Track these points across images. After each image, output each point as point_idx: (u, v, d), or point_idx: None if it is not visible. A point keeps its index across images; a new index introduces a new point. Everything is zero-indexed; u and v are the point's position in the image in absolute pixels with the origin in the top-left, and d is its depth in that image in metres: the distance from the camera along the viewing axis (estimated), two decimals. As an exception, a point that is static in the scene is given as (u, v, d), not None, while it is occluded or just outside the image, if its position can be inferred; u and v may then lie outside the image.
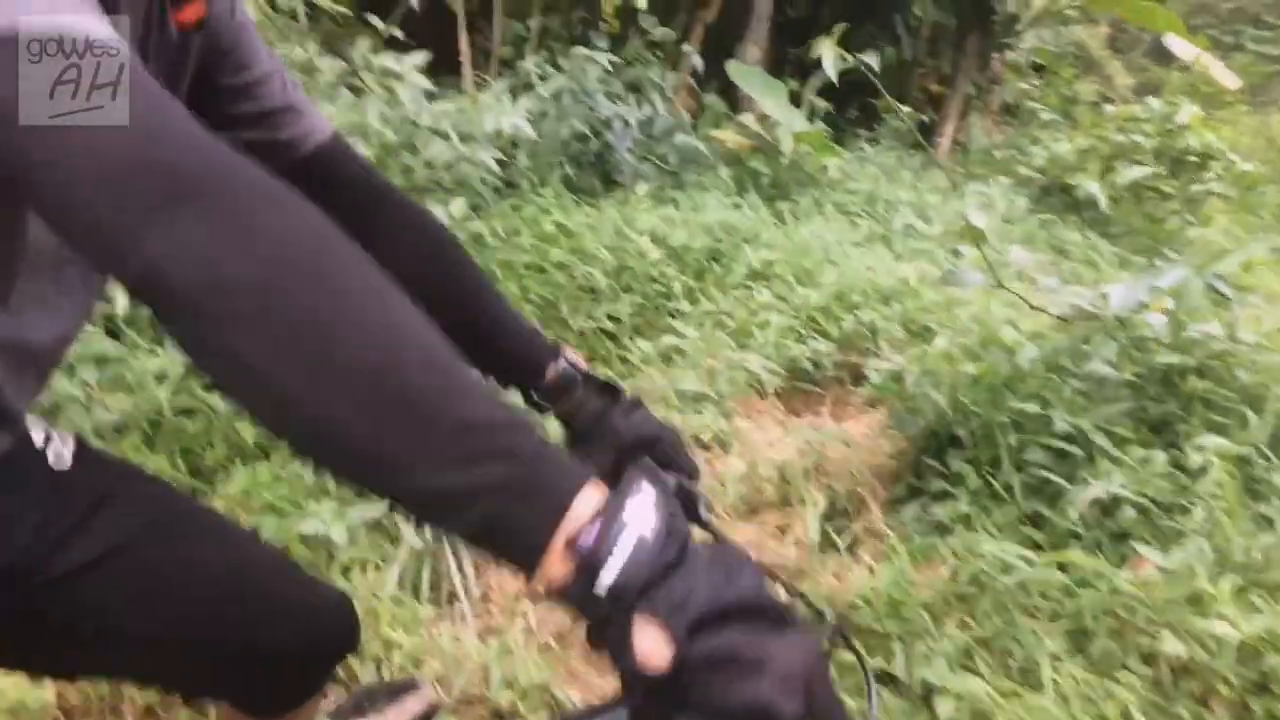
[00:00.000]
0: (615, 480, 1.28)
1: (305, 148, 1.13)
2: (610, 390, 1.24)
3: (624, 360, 4.03)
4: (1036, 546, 2.60)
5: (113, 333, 2.92)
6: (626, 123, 5.40)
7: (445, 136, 4.01)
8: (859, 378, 3.99)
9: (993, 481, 2.73)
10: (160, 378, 2.82)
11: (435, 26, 6.50)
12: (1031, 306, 3.14)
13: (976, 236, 2.90)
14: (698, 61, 6.76)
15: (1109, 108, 8.41)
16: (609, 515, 0.62)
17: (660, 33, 6.56)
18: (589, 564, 0.61)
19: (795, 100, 6.64)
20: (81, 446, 1.16)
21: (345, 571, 2.53)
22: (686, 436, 3.45)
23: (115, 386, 2.82)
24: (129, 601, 1.13)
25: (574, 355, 1.27)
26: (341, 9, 4.23)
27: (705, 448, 3.44)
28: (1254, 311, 3.17)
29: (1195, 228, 7.56)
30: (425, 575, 2.55)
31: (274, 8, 4.08)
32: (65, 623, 1.11)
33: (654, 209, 5.16)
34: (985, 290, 3.34)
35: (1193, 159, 7.33)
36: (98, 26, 0.68)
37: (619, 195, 5.31)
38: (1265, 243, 5.38)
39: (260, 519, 2.59)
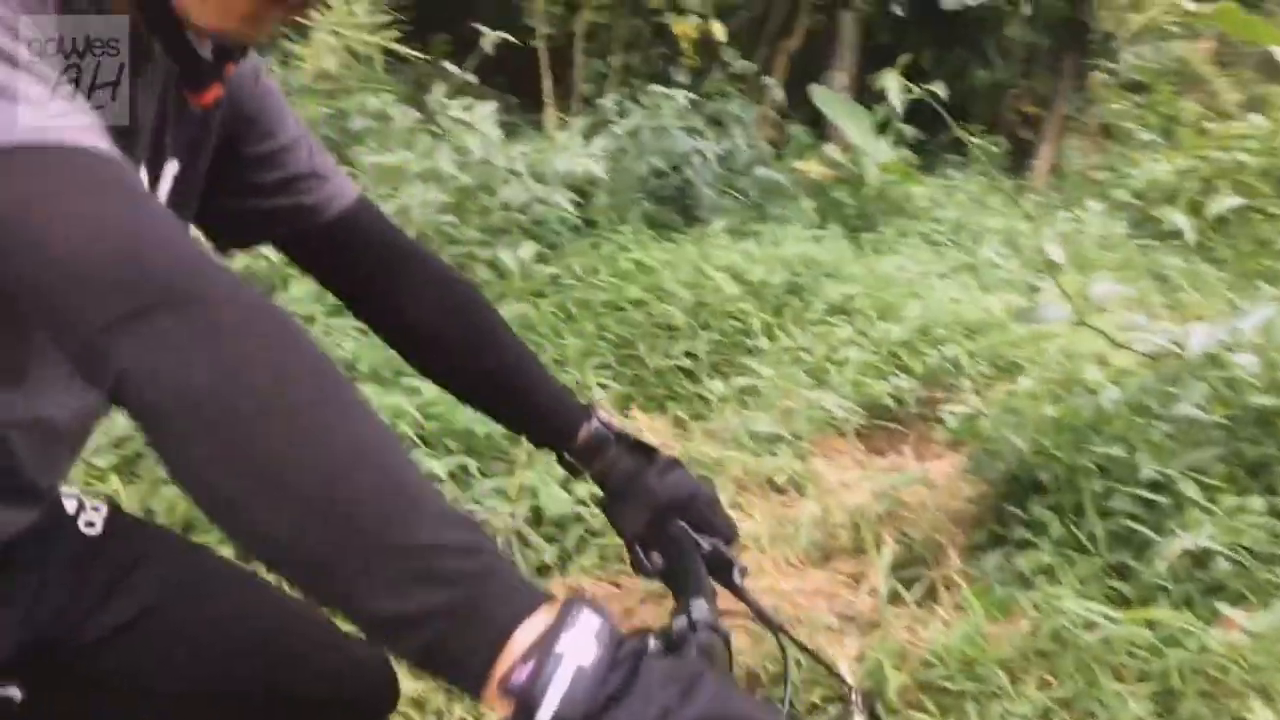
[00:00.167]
0: (648, 543, 1.26)
1: (330, 212, 1.13)
2: (645, 450, 1.22)
3: (701, 399, 3.99)
4: (1123, 600, 2.48)
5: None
6: (705, 157, 5.38)
7: (520, 178, 4.04)
8: (939, 418, 3.88)
9: (1076, 531, 2.62)
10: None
11: (521, 65, 6.59)
12: (1115, 344, 3.02)
13: (1053, 269, 2.79)
14: (779, 93, 6.71)
15: (1212, 126, 8.10)
16: (544, 649, 0.59)
17: (741, 65, 6.54)
18: (525, 701, 0.58)
19: (885, 127, 6.56)
20: (114, 513, 1.18)
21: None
22: (763, 478, 3.39)
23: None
24: (160, 661, 1.15)
25: (607, 414, 1.25)
26: (419, 55, 4.31)
27: (780, 491, 3.37)
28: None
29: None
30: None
31: (355, 57, 4.16)
32: (95, 684, 1.13)
33: (733, 243, 5.12)
34: (1072, 324, 3.22)
35: (1302, 178, 7.02)
36: (95, 140, 0.68)
37: (698, 230, 5.28)
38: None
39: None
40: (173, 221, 0.69)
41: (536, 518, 2.87)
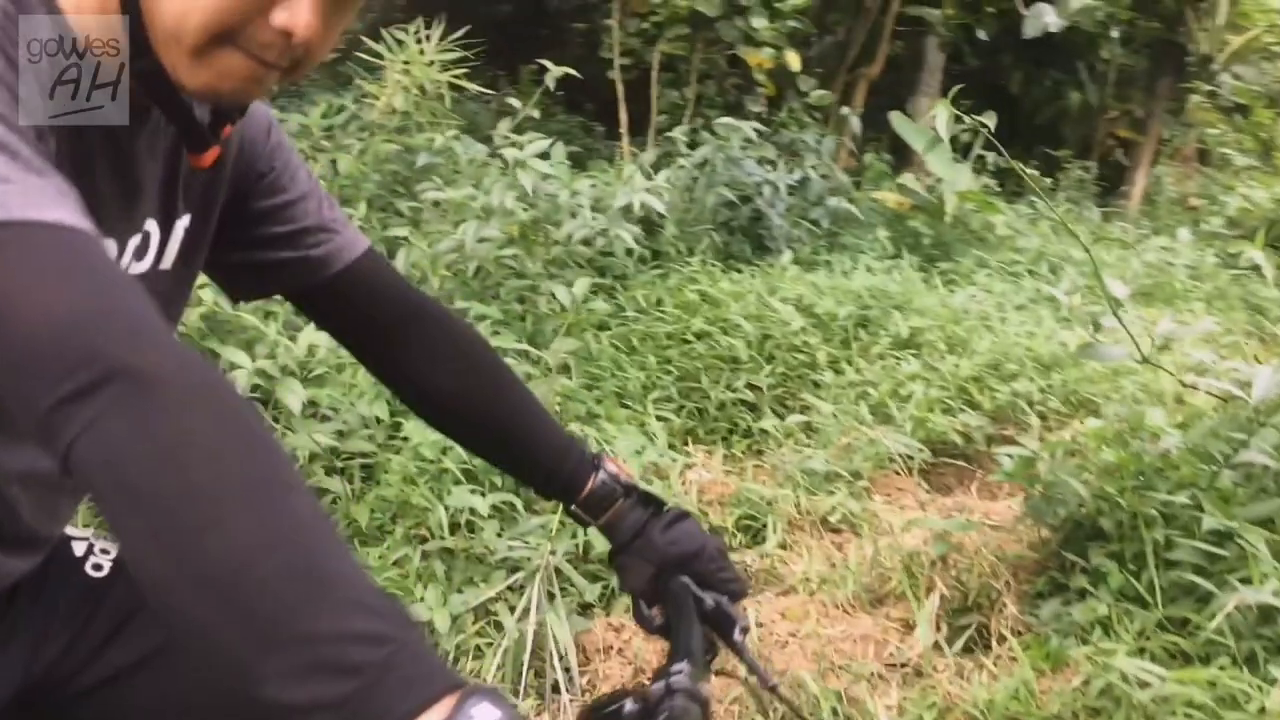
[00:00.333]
0: (650, 597, 1.24)
1: (337, 265, 1.14)
2: (653, 503, 1.22)
3: (762, 433, 3.94)
4: (1182, 655, 2.37)
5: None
6: (776, 188, 5.35)
7: (584, 211, 4.06)
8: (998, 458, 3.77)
9: (1136, 581, 2.52)
10: (294, 453, 2.92)
11: (610, 95, 6.65)
12: (1183, 384, 2.90)
13: (1114, 305, 2.70)
14: (855, 121, 6.65)
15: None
16: None
17: (817, 94, 6.49)
18: None
19: (967, 153, 6.45)
20: None
21: (452, 660, 2.54)
22: (817, 517, 3.33)
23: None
24: (164, 700, 1.15)
25: (615, 466, 1.24)
26: (486, 90, 4.37)
27: (834, 530, 3.31)
28: None
29: None
30: (526, 665, 2.54)
31: (423, 93, 4.24)
32: None
33: (802, 274, 5.07)
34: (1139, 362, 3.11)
35: None
36: (61, 213, 0.70)
37: (768, 262, 5.24)
38: None
39: (371, 602, 2.64)
40: (128, 295, 0.70)
41: (585, 554, 2.87)
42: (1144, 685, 2.19)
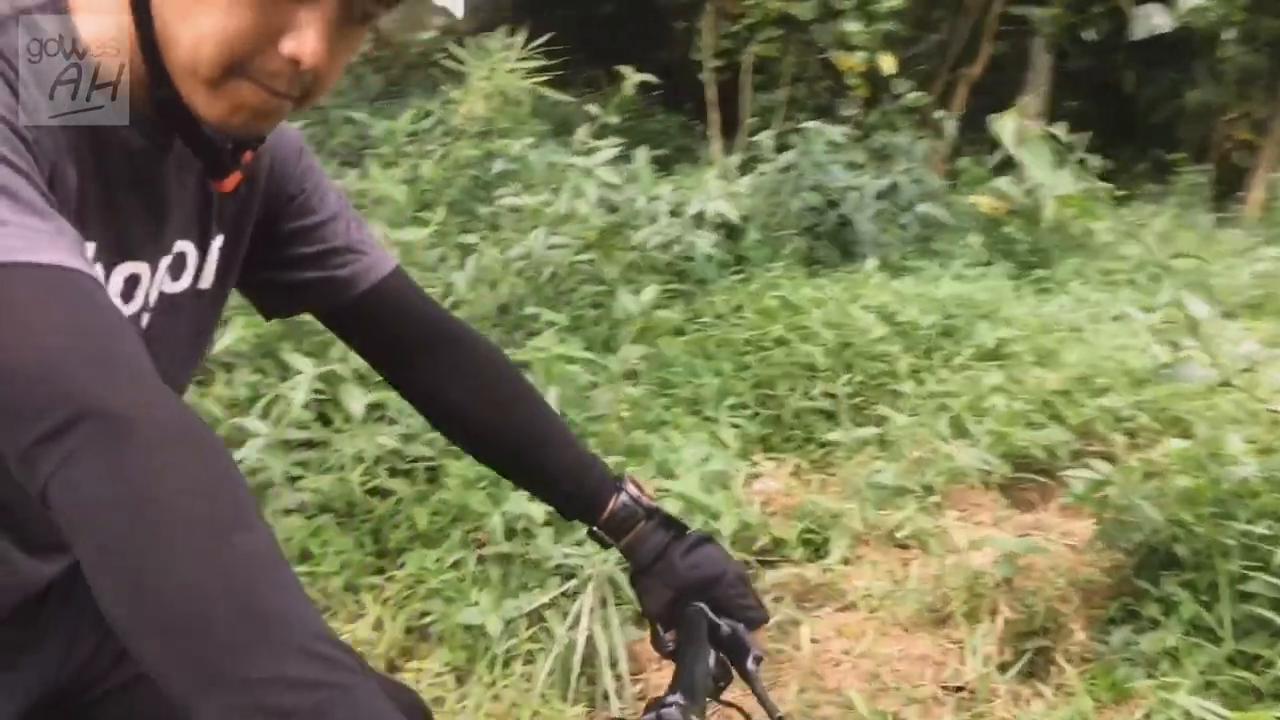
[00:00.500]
0: (667, 622, 1.24)
1: (362, 285, 1.16)
2: (675, 526, 1.22)
3: (836, 444, 3.88)
4: (1254, 691, 2.27)
5: (325, 418, 3.12)
6: (863, 193, 5.26)
7: (662, 217, 4.06)
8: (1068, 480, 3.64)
9: (1207, 613, 2.41)
10: (359, 460, 2.98)
11: (701, 93, 6.65)
12: (1271, 410, 2.76)
13: (1192, 325, 2.59)
14: (950, 124, 6.50)
15: None
16: None
17: (912, 97, 6.37)
18: None
19: (1069, 154, 6.25)
20: None
21: (503, 664, 2.57)
22: (884, 532, 3.27)
23: (321, 468, 3.02)
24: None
25: (636, 488, 1.24)
26: (565, 97, 4.41)
27: (902, 546, 3.24)
28: None
29: None
30: (577, 672, 2.55)
31: (505, 99, 4.28)
32: None
33: (887, 281, 4.98)
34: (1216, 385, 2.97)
35: None
36: (78, 261, 0.73)
37: (853, 268, 5.16)
38: None
39: (427, 604, 2.68)
40: (112, 335, 0.72)
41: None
42: (1207, 724, 2.10)
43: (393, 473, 2.94)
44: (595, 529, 1.23)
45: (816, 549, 3.15)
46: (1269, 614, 2.29)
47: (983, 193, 6.24)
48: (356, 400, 2.66)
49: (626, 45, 10.42)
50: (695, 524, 2.96)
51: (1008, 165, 6.78)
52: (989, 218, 6.11)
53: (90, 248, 0.89)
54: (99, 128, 0.86)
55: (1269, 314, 5.40)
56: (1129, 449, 3.75)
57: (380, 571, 2.84)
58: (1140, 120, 9.82)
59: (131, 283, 0.95)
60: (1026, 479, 3.81)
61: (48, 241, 0.72)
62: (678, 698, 1.02)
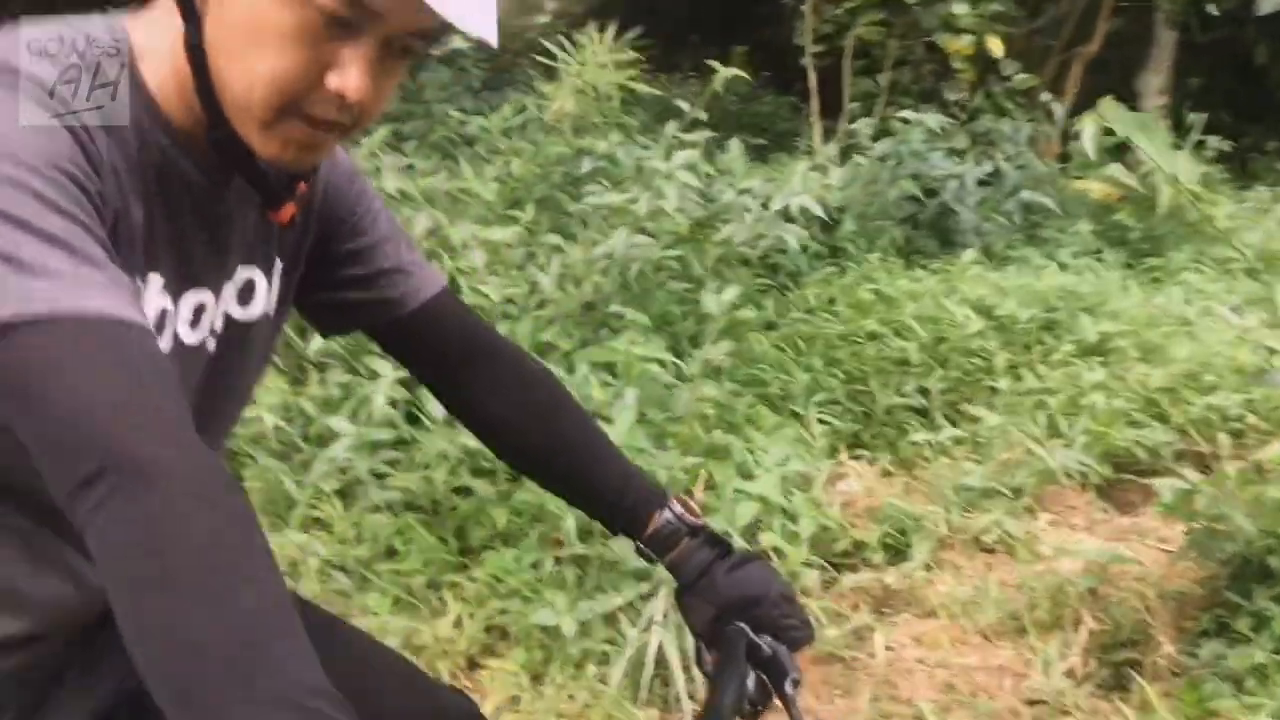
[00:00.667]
0: (709, 641, 1.26)
1: (410, 305, 1.20)
2: (719, 543, 1.23)
3: (926, 444, 3.81)
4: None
5: (413, 417, 3.21)
6: (964, 180, 5.14)
7: (752, 211, 4.05)
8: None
9: (1300, 630, 2.31)
10: (443, 458, 3.06)
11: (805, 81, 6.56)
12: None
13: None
14: (1057, 109, 6.29)
15: None
16: None
17: (1020, 79, 6.18)
18: None
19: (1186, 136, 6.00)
20: None
21: (577, 665, 2.61)
22: (969, 536, 3.21)
23: (409, 466, 3.10)
24: None
25: (681, 505, 1.25)
26: (655, 91, 4.41)
27: (988, 551, 3.18)
28: None
29: None
30: (650, 674, 2.57)
31: (597, 94, 4.31)
32: None
33: (987, 272, 4.85)
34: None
35: None
36: (128, 310, 0.78)
37: (952, 258, 5.05)
38: None
39: (505, 603, 2.74)
40: (150, 386, 0.76)
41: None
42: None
43: (475, 472, 3.01)
44: (639, 544, 1.24)
45: (898, 553, 3.11)
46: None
47: (1094, 178, 6.04)
48: (436, 402, 2.72)
49: (738, 26, 10.36)
50: (773, 527, 2.96)
51: (1123, 148, 6.54)
52: (1100, 204, 5.91)
53: (158, 279, 0.94)
54: (163, 167, 0.92)
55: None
56: (1235, 451, 3.60)
57: (463, 569, 2.91)
58: (1273, 97, 9.32)
59: (199, 310, 1.00)
60: (1127, 480, 3.70)
61: (98, 292, 0.76)
62: None
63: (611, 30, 4.39)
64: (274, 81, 0.84)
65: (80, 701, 1.11)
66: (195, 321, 1.00)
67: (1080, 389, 3.95)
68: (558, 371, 3.27)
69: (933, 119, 5.14)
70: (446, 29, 0.84)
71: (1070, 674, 2.61)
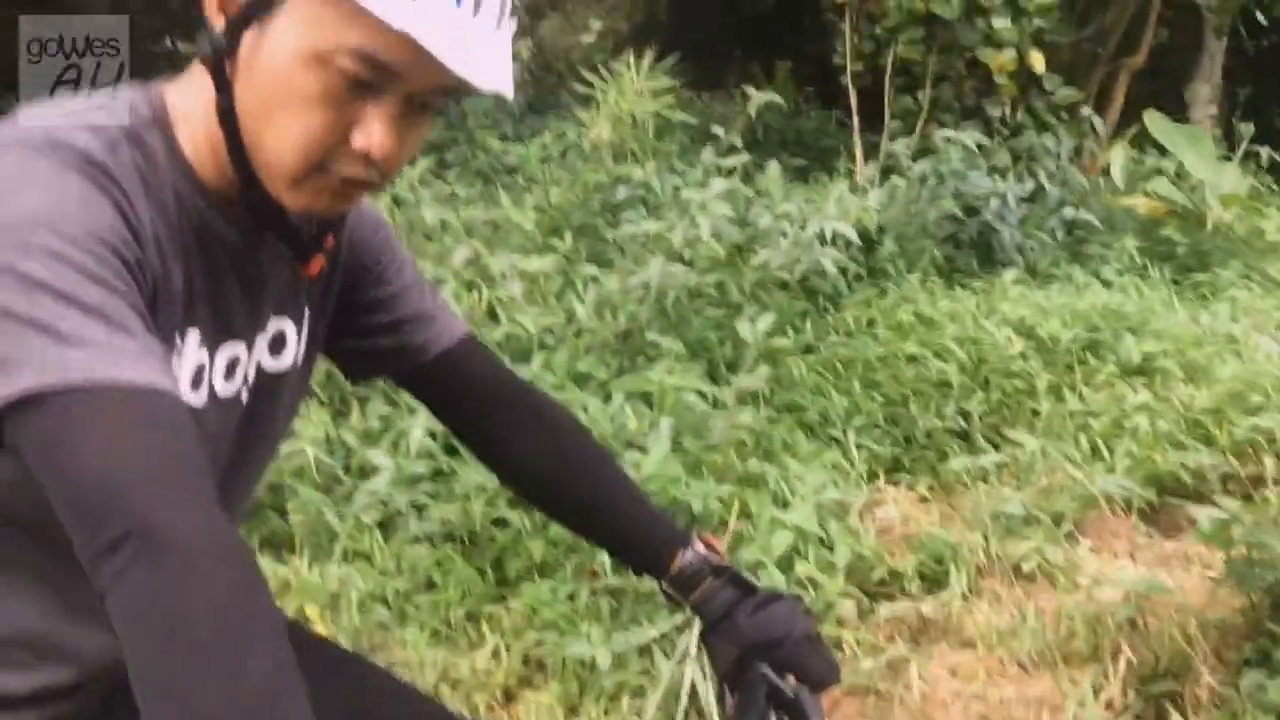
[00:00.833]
0: (735, 681, 1.28)
1: (433, 351, 1.24)
2: (744, 584, 1.24)
3: (965, 470, 3.78)
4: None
5: (451, 448, 3.25)
6: (1006, 198, 5.11)
7: (789, 235, 4.06)
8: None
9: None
10: (481, 489, 3.10)
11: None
12: None
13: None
14: (1098, 123, 6.22)
15: None
16: None
17: (1063, 94, 6.13)
18: None
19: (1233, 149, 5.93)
20: None
21: (611, 698, 2.63)
22: (1009, 564, 3.18)
23: (447, 498, 3.15)
24: None
25: (704, 545, 1.27)
26: (689, 119, 4.44)
27: (1028, 579, 3.15)
28: None
29: None
30: (685, 707, 2.58)
31: (633, 121, 4.35)
32: None
33: (1030, 292, 4.82)
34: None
35: None
36: (158, 378, 0.82)
37: (994, 277, 5.02)
38: None
39: (541, 634, 2.77)
40: (175, 453, 0.80)
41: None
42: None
43: (511, 503, 3.05)
44: (664, 585, 1.26)
45: (936, 581, 3.10)
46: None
47: (1137, 193, 5.98)
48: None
49: (783, 41, 10.37)
50: (808, 556, 2.96)
51: (1169, 157, 6.47)
52: (1147, 219, 5.85)
53: (196, 335, 0.99)
54: (201, 229, 0.97)
55: None
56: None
57: (501, 600, 2.94)
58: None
59: (233, 362, 1.04)
60: (1173, 504, 3.65)
61: (131, 361, 0.80)
62: None
63: (649, 58, 4.43)
64: (302, 142, 0.89)
65: None
66: (230, 373, 1.04)
67: (1123, 411, 3.91)
68: (594, 401, 3.32)
69: (971, 137, 5.11)
70: (464, 85, 0.89)
71: (1109, 706, 2.59)
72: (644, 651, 2.69)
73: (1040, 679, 2.70)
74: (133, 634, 0.74)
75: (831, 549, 3.00)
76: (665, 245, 3.73)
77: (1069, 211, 5.37)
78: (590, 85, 4.49)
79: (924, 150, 5.69)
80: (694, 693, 2.58)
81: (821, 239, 3.88)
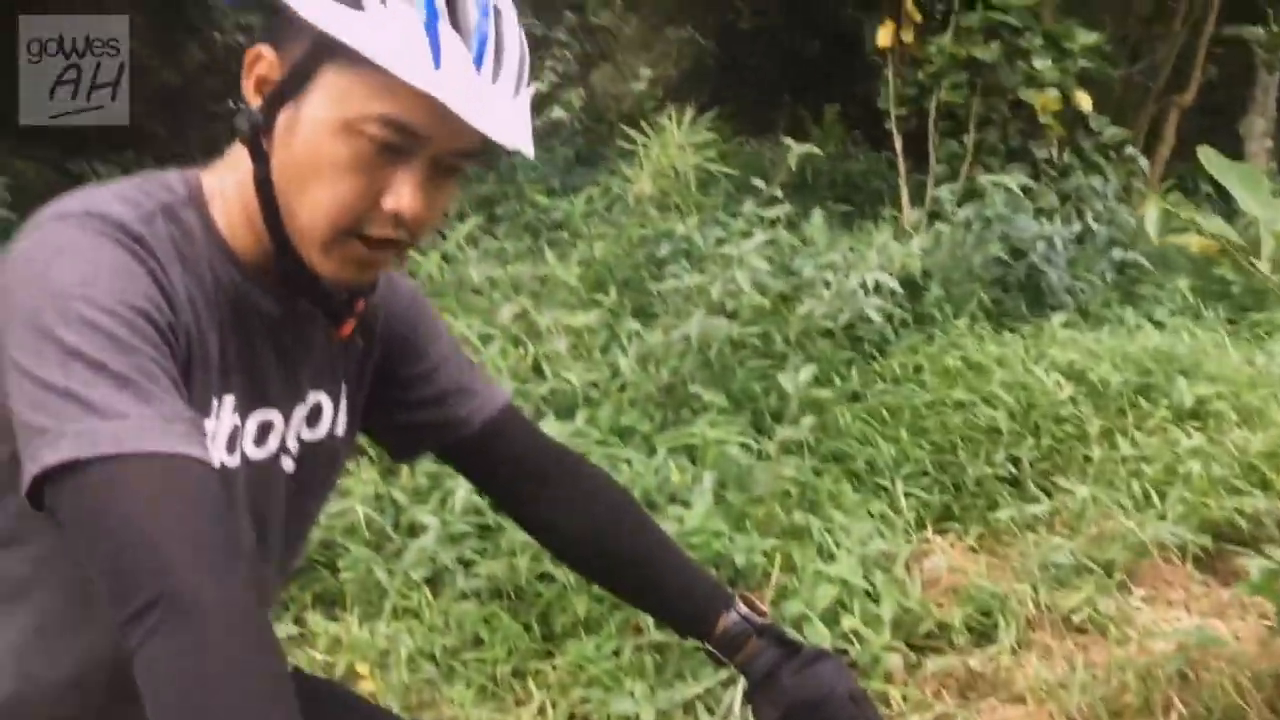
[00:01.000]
0: None
1: (474, 424, 1.26)
2: (788, 643, 1.25)
3: (1014, 520, 3.74)
4: None
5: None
6: (1053, 241, 5.08)
7: (832, 285, 4.09)
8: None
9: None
10: (527, 545, 3.13)
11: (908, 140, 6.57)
12: None
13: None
14: (1144, 162, 6.18)
15: None
16: None
17: (1110, 133, 6.10)
18: None
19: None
20: None
21: (657, 753, 2.64)
22: (1059, 615, 3.14)
23: (493, 554, 3.19)
24: None
25: (746, 604, 1.27)
26: (729, 171, 4.50)
27: (1080, 631, 3.11)
28: None
29: None
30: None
31: (675, 174, 4.41)
32: None
33: (1080, 335, 4.78)
34: None
35: None
36: (188, 446, 0.86)
37: (1042, 319, 4.98)
38: None
39: (587, 691, 2.79)
40: (200, 521, 0.84)
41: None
42: None
43: (555, 560, 3.07)
44: (708, 647, 1.27)
45: (985, 634, 3.07)
46: None
47: (1190, 233, 5.90)
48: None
49: (831, 83, 10.42)
50: (854, 610, 2.95)
51: (1225, 196, 6.38)
52: (1200, 259, 5.76)
53: (230, 400, 1.03)
54: (237, 300, 1.02)
55: None
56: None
57: (548, 656, 2.97)
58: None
59: (265, 428, 1.08)
60: (1230, 551, 3.58)
61: (160, 430, 0.84)
62: None
63: (690, 113, 4.50)
64: (335, 208, 0.94)
65: None
66: (261, 439, 1.08)
67: (1176, 456, 3.86)
68: (637, 456, 3.35)
69: (1016, 179, 5.10)
70: (491, 146, 0.94)
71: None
72: (688, 708, 2.70)
73: (1092, 735, 2.66)
74: (155, 695, 0.77)
75: (877, 602, 2.98)
76: (706, 298, 3.77)
77: (1118, 252, 5.33)
78: (632, 141, 4.56)
79: (970, 193, 5.68)
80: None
81: (865, 288, 3.89)
